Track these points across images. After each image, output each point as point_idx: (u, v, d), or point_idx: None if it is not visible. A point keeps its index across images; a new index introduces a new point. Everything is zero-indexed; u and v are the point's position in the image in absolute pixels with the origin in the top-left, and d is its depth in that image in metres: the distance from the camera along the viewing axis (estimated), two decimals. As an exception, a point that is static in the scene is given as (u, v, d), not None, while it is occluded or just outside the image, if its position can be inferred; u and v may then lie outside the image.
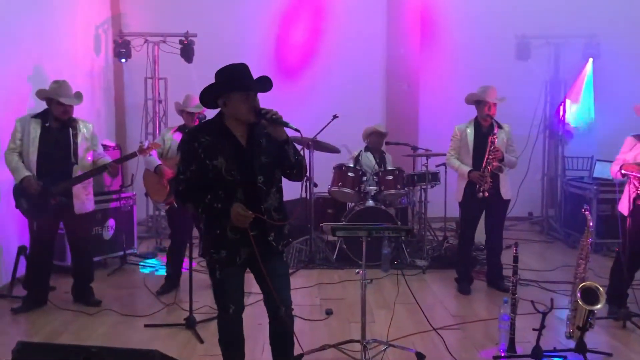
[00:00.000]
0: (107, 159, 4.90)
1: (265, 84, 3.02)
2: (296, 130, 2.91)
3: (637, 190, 4.39)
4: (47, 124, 4.66)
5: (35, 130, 4.63)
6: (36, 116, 4.71)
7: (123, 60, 7.70)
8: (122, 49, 7.62)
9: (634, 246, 4.47)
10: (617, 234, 4.64)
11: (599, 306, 3.70)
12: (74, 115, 4.81)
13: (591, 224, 3.93)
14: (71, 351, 2.95)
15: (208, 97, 3.02)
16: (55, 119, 4.69)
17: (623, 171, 4.40)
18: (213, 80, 3.03)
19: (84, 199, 4.79)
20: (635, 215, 4.45)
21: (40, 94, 4.72)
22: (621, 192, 4.77)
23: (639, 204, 4.42)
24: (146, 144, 4.95)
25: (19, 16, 5.60)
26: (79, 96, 4.76)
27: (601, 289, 3.72)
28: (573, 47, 7.75)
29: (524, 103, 7.79)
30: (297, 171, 3.04)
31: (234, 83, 2.95)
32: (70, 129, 4.71)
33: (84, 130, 4.80)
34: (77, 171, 4.70)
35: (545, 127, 8.11)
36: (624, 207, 4.58)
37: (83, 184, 4.76)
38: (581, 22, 7.78)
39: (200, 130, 3.05)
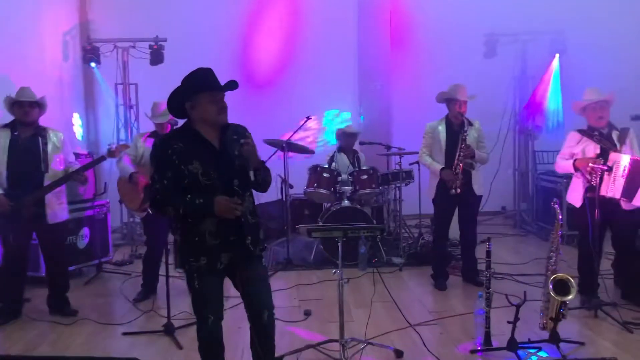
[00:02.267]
0: (85, 175, 4.85)
1: (230, 84, 3.03)
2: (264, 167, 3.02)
3: (590, 182, 4.51)
4: (15, 133, 4.62)
5: (4, 140, 4.58)
6: (4, 126, 4.66)
7: (93, 64, 7.61)
8: (91, 55, 7.55)
9: (597, 237, 4.61)
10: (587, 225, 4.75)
11: (570, 297, 3.79)
12: (44, 124, 4.76)
13: (560, 217, 4.02)
14: (48, 363, 2.93)
15: (175, 102, 3.03)
16: (23, 127, 4.64)
17: (576, 166, 4.55)
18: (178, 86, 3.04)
19: (56, 208, 4.74)
20: (588, 207, 4.58)
21: (4, 102, 4.67)
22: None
23: (589, 196, 4.55)
24: (114, 146, 4.89)
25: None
26: (40, 97, 4.70)
27: (572, 280, 3.82)
28: (540, 43, 7.90)
29: (493, 100, 7.96)
30: (262, 188, 3.15)
31: (200, 84, 2.96)
32: (40, 138, 4.67)
33: (54, 139, 4.75)
34: (48, 180, 4.64)
35: (515, 123, 8.26)
36: (575, 199, 4.71)
37: (55, 193, 4.70)
38: (547, 18, 7.93)
39: (172, 137, 3.06)
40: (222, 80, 3.05)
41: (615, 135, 4.63)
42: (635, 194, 4.43)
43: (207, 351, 3.14)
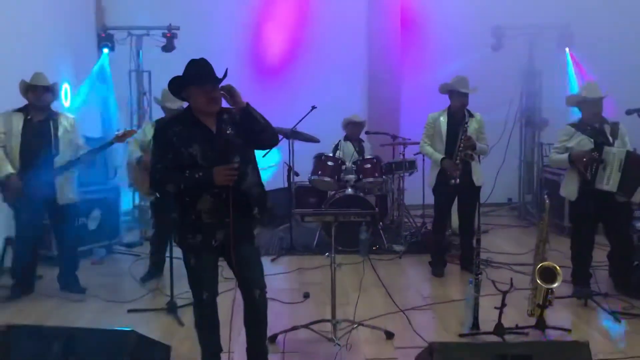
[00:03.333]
0: (87, 150, 5.03)
1: (215, 77, 3.15)
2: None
3: (585, 176, 4.59)
4: (29, 117, 4.83)
5: (17, 123, 4.80)
6: (18, 110, 4.87)
7: (106, 50, 7.79)
8: (105, 42, 7.73)
9: (589, 229, 4.72)
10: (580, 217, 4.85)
11: (556, 284, 3.91)
12: (57, 110, 4.97)
13: (547, 206, 4.14)
14: (53, 333, 3.13)
15: (174, 91, 3.21)
16: (36, 111, 4.85)
17: (572, 159, 4.63)
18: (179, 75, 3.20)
19: (67, 189, 4.94)
20: (582, 200, 4.68)
21: (19, 86, 4.87)
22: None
23: (584, 189, 4.65)
24: (121, 131, 5.05)
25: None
26: (53, 83, 4.91)
27: (558, 268, 3.93)
28: (547, 36, 7.93)
29: (500, 92, 7.98)
30: (269, 133, 3.21)
31: (189, 77, 3.13)
32: (52, 122, 4.87)
33: (65, 123, 4.95)
34: (58, 163, 4.84)
35: (522, 115, 8.31)
36: (570, 193, 4.80)
37: (66, 176, 4.91)
38: (555, 11, 7.96)
39: (172, 121, 3.25)
40: (230, 68, 3.20)
41: (607, 129, 4.71)
42: (631, 188, 4.50)
43: (203, 327, 3.33)
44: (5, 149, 4.78)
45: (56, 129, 4.86)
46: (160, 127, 3.22)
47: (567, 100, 4.91)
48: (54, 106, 5.06)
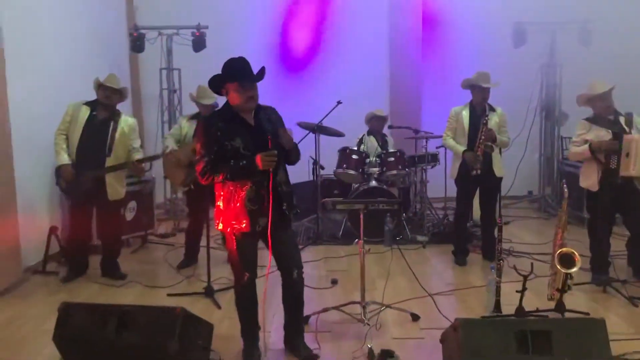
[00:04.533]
0: (140, 156, 5.31)
1: (259, 74, 3.45)
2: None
3: (609, 165, 4.73)
4: (94, 112, 5.15)
5: (83, 115, 5.12)
6: (87, 103, 5.20)
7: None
8: (137, 42, 8.04)
9: (607, 217, 4.88)
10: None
11: (574, 269, 4.10)
12: (121, 111, 5.31)
13: (566, 196, 4.33)
14: (107, 308, 3.42)
15: (213, 87, 3.50)
16: (102, 108, 5.16)
17: (593, 148, 4.78)
18: (219, 73, 3.48)
19: (116, 186, 5.26)
20: (603, 190, 4.83)
21: (93, 83, 5.22)
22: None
23: (606, 179, 4.79)
24: (169, 148, 5.49)
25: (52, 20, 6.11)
26: (122, 87, 5.25)
27: (577, 254, 4.12)
28: (568, 32, 8.05)
29: (521, 86, 8.14)
30: (295, 154, 3.62)
31: (230, 75, 3.40)
32: (112, 123, 5.16)
33: (124, 125, 5.23)
34: (109, 163, 5.13)
35: (542, 109, 8.45)
36: (591, 184, 4.94)
37: (116, 174, 5.22)
38: (576, 7, 8.07)
39: (214, 117, 3.54)
40: (258, 66, 3.47)
41: (622, 120, 4.87)
42: None
43: (243, 305, 3.61)
44: (67, 138, 5.12)
45: (114, 130, 5.16)
46: (206, 123, 3.49)
47: (578, 100, 5.06)
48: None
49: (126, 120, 5.29)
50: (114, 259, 5.48)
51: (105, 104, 5.16)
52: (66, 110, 5.17)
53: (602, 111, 4.92)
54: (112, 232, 5.45)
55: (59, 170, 5.14)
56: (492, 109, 5.64)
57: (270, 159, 3.31)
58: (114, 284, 5.26)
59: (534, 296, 4.51)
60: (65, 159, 5.07)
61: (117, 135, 5.17)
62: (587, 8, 8.00)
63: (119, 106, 5.34)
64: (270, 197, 3.37)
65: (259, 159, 3.31)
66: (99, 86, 5.17)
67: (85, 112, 5.15)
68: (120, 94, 5.23)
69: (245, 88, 3.39)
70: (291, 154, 3.57)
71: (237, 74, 3.40)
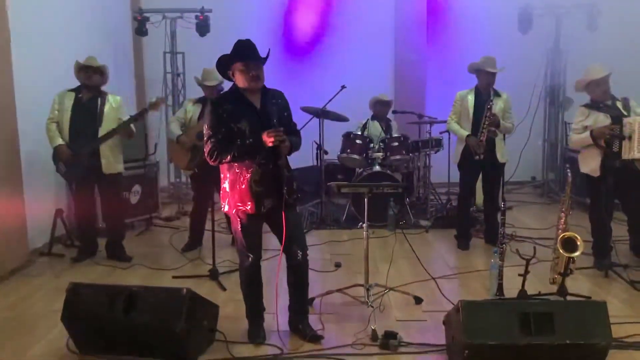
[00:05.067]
0: (132, 128, 5.37)
1: (264, 56, 3.46)
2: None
3: (611, 149, 4.73)
4: (79, 95, 5.25)
5: (69, 101, 5.22)
6: (71, 90, 5.30)
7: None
8: (141, 26, 8.02)
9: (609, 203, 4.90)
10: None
11: (577, 253, 4.12)
12: (106, 90, 5.35)
13: (570, 180, 4.35)
14: (115, 289, 3.47)
15: (220, 69, 3.51)
16: (86, 90, 5.25)
17: (594, 135, 4.77)
18: (226, 53, 3.49)
19: (111, 159, 5.31)
20: (604, 175, 4.84)
21: (74, 67, 5.27)
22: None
23: (609, 164, 4.81)
24: (154, 98, 5.41)
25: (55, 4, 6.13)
26: (102, 65, 5.29)
27: (579, 238, 4.15)
28: (574, 16, 8.00)
29: (526, 71, 8.13)
30: (298, 145, 3.65)
31: (234, 54, 3.43)
32: (99, 100, 5.26)
33: (112, 101, 5.34)
34: (101, 133, 5.20)
35: (546, 94, 8.43)
36: (593, 169, 4.93)
37: (109, 147, 5.27)
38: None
39: (222, 99, 3.56)
40: (262, 51, 3.49)
41: (619, 104, 4.88)
42: None
43: (249, 286, 3.66)
44: (58, 124, 5.22)
45: (102, 105, 5.26)
46: (213, 105, 3.50)
47: (576, 86, 5.06)
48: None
49: (113, 97, 5.39)
50: (119, 242, 5.53)
51: (88, 85, 5.24)
52: (53, 99, 5.26)
53: (599, 97, 4.92)
54: (115, 213, 5.51)
55: (56, 155, 5.21)
56: (498, 94, 5.64)
57: (276, 135, 3.33)
58: (119, 266, 5.32)
59: (537, 280, 4.55)
60: (59, 140, 5.18)
61: (105, 109, 5.26)
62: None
63: (118, 88, 5.39)
64: (279, 177, 3.41)
65: (264, 135, 3.34)
66: (79, 69, 5.24)
67: (70, 97, 5.25)
68: (101, 73, 5.29)
69: (250, 67, 3.41)
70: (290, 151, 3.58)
71: (242, 53, 3.42)
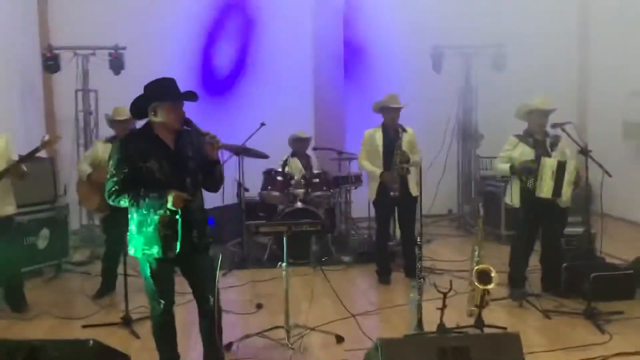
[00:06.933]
0: (23, 168, 4.96)
1: (192, 95, 3.39)
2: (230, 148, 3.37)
3: (526, 184, 4.98)
4: None
5: None
6: None
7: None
8: (51, 62, 7.71)
9: (530, 234, 5.09)
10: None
11: (491, 285, 4.22)
12: None
13: (482, 214, 4.51)
14: (15, 346, 3.19)
15: (139, 107, 3.37)
16: None
17: (519, 167, 4.99)
18: (142, 91, 3.39)
19: (3, 202, 4.90)
20: (524, 206, 5.05)
21: None
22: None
23: (526, 198, 5.03)
24: (46, 137, 5.04)
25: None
26: None
27: (493, 270, 4.26)
28: (482, 57, 8.42)
29: (440, 108, 8.46)
30: (216, 186, 3.54)
31: (165, 94, 3.31)
32: None
33: None
34: None
35: (459, 130, 8.76)
36: (514, 200, 5.16)
37: (1, 189, 4.87)
38: (490, 33, 8.44)
39: (132, 137, 3.43)
40: (181, 86, 3.40)
41: (548, 142, 5.13)
42: (559, 190, 4.89)
43: (161, 334, 3.48)
44: None
45: None
46: (121, 142, 3.37)
47: (517, 112, 5.24)
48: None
49: None
50: (20, 289, 5.15)
51: None
52: None
53: (536, 128, 5.14)
54: (9, 257, 5.03)
55: None
56: (404, 130, 5.79)
57: (181, 202, 3.22)
58: (23, 317, 4.95)
59: (455, 312, 4.61)
60: None
61: None
62: (500, 33, 8.38)
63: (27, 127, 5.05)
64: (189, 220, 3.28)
65: (171, 198, 3.20)
66: None
67: None
68: None
69: (178, 107, 3.32)
70: (215, 170, 3.48)
71: (170, 93, 3.32)
